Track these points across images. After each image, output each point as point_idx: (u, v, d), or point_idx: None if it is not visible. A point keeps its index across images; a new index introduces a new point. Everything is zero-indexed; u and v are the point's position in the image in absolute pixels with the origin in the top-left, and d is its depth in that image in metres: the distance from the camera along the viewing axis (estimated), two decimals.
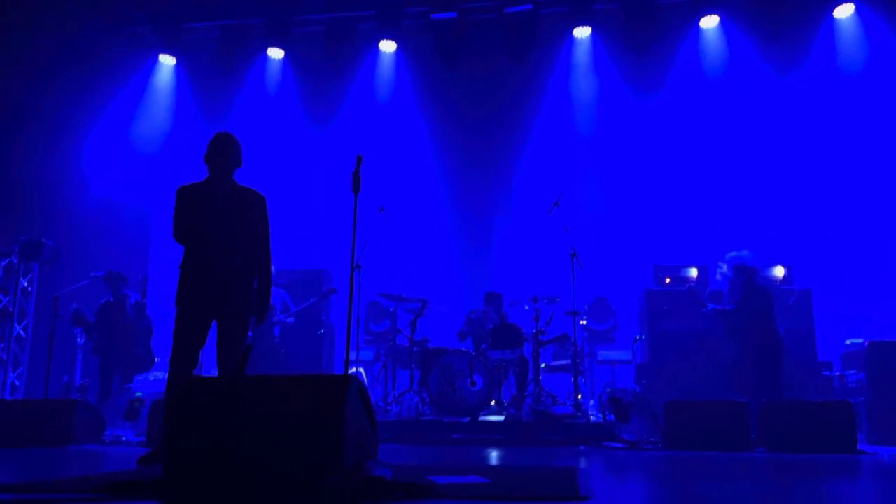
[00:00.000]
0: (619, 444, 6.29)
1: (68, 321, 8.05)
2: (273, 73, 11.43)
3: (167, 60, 11.42)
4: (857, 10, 9.89)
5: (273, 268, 5.03)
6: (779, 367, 6.89)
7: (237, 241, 4.64)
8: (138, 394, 7.41)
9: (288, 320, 8.47)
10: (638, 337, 8.65)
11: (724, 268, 7.50)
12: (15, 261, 9.82)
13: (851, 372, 7.88)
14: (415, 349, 7.86)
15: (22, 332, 9.94)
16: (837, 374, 8.06)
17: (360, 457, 2.69)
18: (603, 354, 9.31)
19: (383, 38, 11.02)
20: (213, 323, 4.63)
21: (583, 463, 4.54)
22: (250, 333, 4.80)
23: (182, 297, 4.57)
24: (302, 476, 2.43)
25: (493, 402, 7.30)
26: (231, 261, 4.59)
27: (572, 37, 10.84)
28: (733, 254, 7.51)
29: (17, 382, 9.77)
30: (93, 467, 4.28)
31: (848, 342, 8.31)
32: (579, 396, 7.27)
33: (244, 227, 4.67)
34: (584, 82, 10.90)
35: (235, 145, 4.78)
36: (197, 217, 4.61)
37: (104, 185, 10.79)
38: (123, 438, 6.92)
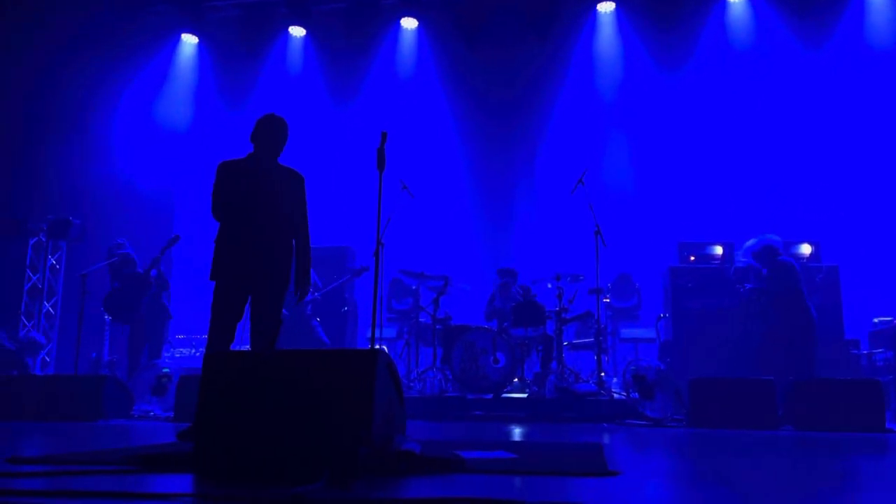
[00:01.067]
0: (642, 422, 6.28)
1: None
2: (295, 52, 11.43)
3: (190, 39, 11.44)
4: None
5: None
6: (813, 345, 6.81)
7: (277, 219, 4.67)
8: (165, 369, 7.51)
9: (316, 295, 8.53)
10: (662, 315, 8.61)
11: (742, 257, 7.41)
12: (43, 239, 9.97)
13: (879, 350, 7.79)
14: (437, 327, 7.88)
15: (51, 310, 10.11)
16: (865, 352, 7.98)
17: (389, 431, 2.71)
18: (626, 332, 9.29)
19: (405, 16, 10.96)
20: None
21: (607, 440, 4.54)
22: (285, 311, 4.84)
23: (218, 272, 4.59)
24: (332, 448, 2.45)
25: (515, 380, 7.32)
26: (270, 238, 4.62)
27: (596, 11, 10.73)
28: (751, 241, 7.41)
29: (47, 359, 9.95)
30: (123, 441, 4.35)
31: (876, 320, 8.21)
32: (602, 374, 7.26)
33: (285, 206, 4.71)
34: (607, 58, 10.79)
35: (285, 128, 4.84)
36: (238, 193, 4.62)
37: (129, 163, 10.89)
38: (151, 413, 7.03)
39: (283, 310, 4.87)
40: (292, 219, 4.75)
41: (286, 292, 4.74)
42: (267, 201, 4.64)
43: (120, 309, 8.11)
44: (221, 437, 2.56)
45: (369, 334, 5.00)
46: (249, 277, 4.58)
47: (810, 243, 8.36)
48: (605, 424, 6.21)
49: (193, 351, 8.99)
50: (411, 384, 7.55)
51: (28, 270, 9.90)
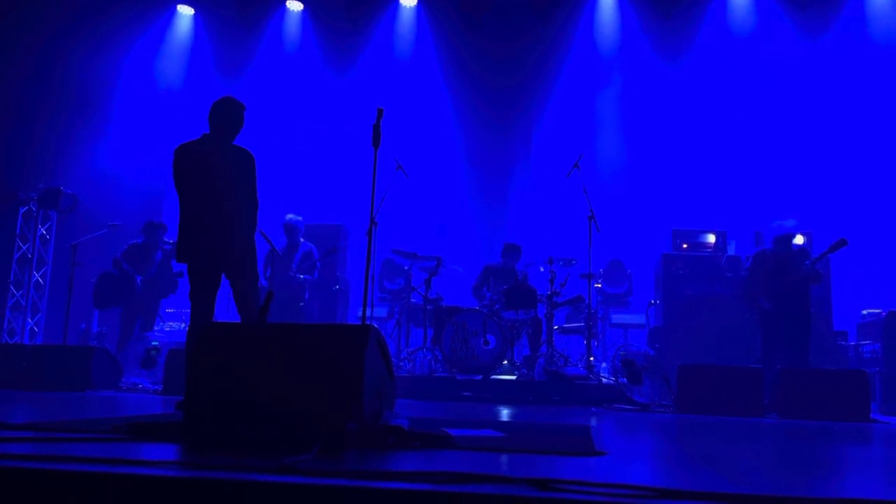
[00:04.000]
0: (630, 407, 6.31)
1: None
2: (292, 26, 11.32)
3: (185, 11, 11.32)
4: None
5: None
6: (808, 336, 6.80)
7: (233, 196, 4.80)
8: (155, 342, 7.50)
9: (308, 277, 8.47)
10: (652, 301, 8.64)
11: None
12: (34, 208, 9.89)
13: (867, 342, 7.85)
14: (429, 307, 7.88)
15: (40, 280, 10.06)
16: (853, 343, 8.03)
17: (379, 406, 2.71)
18: (616, 318, 9.33)
19: None
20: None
21: (595, 422, 4.56)
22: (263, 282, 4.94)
23: (184, 252, 4.76)
24: (321, 422, 2.45)
25: (505, 362, 7.33)
26: (230, 215, 4.76)
27: None
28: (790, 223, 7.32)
29: (35, 328, 9.92)
30: (111, 411, 4.35)
31: (864, 312, 8.26)
32: (592, 358, 7.29)
33: (238, 182, 4.84)
34: (606, 44, 10.74)
35: (241, 112, 4.97)
36: (195, 174, 4.79)
37: (122, 136, 10.79)
38: (140, 386, 7.03)
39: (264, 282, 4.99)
40: (243, 195, 4.87)
41: (257, 263, 4.93)
42: (222, 181, 4.77)
43: (123, 295, 8.08)
44: (211, 407, 2.56)
45: (360, 313, 5.00)
46: (217, 256, 4.73)
47: (803, 234, 8.38)
48: (593, 408, 6.24)
49: (183, 325, 8.97)
50: (401, 364, 7.56)
51: (18, 240, 9.84)
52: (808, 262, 6.69)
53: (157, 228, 8.30)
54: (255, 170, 4.94)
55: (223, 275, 4.82)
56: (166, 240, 8.32)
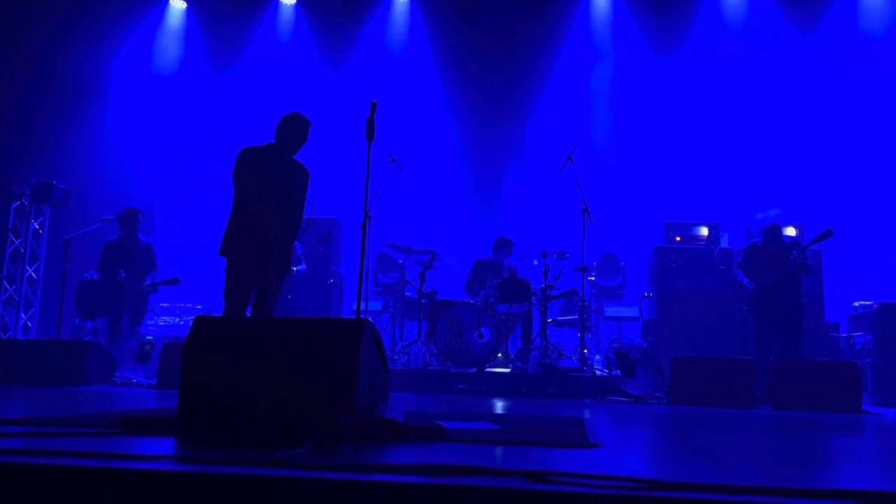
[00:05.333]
0: (624, 399, 6.34)
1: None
2: (285, 19, 11.27)
3: (178, 4, 11.26)
4: None
5: None
6: (801, 328, 6.82)
7: (285, 212, 5.03)
8: (149, 337, 7.47)
9: (301, 268, 8.47)
10: (646, 294, 8.66)
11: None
12: (26, 203, 9.85)
13: (858, 334, 7.89)
14: (423, 301, 7.89)
15: (33, 274, 10.02)
16: (844, 335, 8.07)
17: (373, 399, 2.72)
18: (610, 310, 9.35)
19: None
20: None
21: (588, 414, 4.58)
22: None
23: (227, 251, 4.95)
24: (315, 415, 2.45)
25: (499, 355, 7.34)
26: (278, 230, 4.99)
27: None
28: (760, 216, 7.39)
29: (29, 323, 9.89)
30: (105, 405, 4.34)
31: (856, 304, 8.30)
32: (585, 351, 7.31)
33: (293, 199, 5.09)
34: (601, 37, 10.74)
35: (307, 128, 5.22)
36: (255, 180, 4.97)
37: (115, 130, 10.74)
38: (134, 380, 7.01)
39: None
40: (296, 212, 5.11)
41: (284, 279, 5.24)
42: (279, 194, 4.99)
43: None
44: (205, 401, 2.56)
45: (355, 307, 5.00)
46: (259, 266, 4.92)
47: (795, 226, 8.42)
48: (586, 400, 6.27)
49: (177, 319, 8.96)
50: (396, 357, 7.57)
51: (10, 234, 9.79)
52: (794, 252, 6.72)
53: (132, 217, 7.88)
54: (308, 186, 5.18)
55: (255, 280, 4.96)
56: (140, 236, 7.97)
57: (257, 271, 4.93)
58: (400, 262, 8.48)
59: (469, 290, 8.35)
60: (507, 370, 7.24)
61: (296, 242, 8.28)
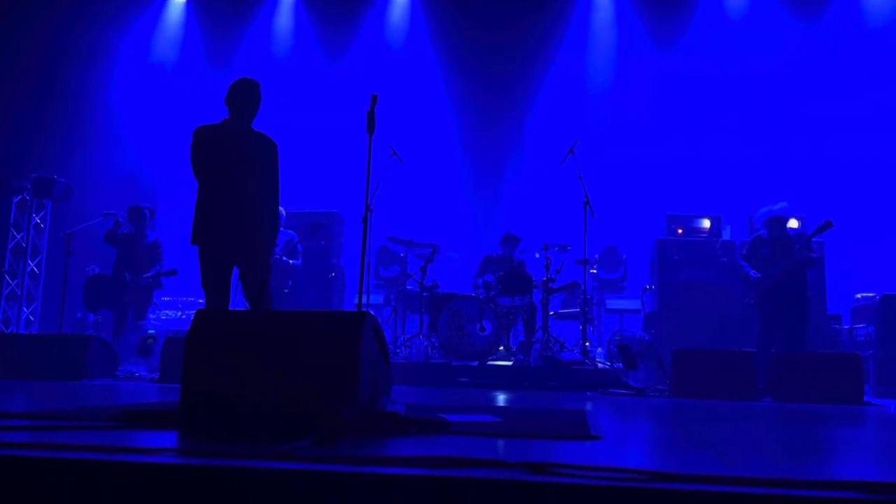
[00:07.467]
0: (626, 391, 6.35)
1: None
2: (285, 12, 11.24)
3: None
4: None
5: (284, 210, 5.07)
6: (805, 320, 6.81)
7: (252, 184, 4.71)
8: (151, 331, 7.48)
9: (296, 262, 8.45)
10: (648, 286, 8.65)
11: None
12: (28, 197, 9.85)
13: (860, 326, 7.88)
14: (424, 294, 7.89)
15: (35, 269, 10.04)
16: (847, 327, 8.06)
17: (375, 392, 2.72)
18: (612, 303, 9.35)
19: None
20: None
21: (590, 407, 4.58)
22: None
23: (198, 237, 4.67)
24: (316, 408, 2.45)
25: (501, 348, 7.35)
26: (247, 203, 4.66)
27: None
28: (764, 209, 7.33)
29: (31, 318, 9.90)
30: (108, 399, 4.35)
31: (858, 296, 8.28)
32: (587, 344, 7.31)
33: (259, 171, 4.74)
34: (602, 30, 10.71)
35: (258, 91, 4.82)
36: (214, 158, 4.66)
37: (116, 125, 10.74)
38: (137, 374, 7.02)
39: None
40: (266, 187, 4.78)
41: (268, 255, 4.85)
42: (241, 167, 4.66)
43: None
44: (207, 394, 2.56)
45: (356, 300, 5.00)
46: (231, 246, 4.65)
47: (797, 218, 8.39)
48: (588, 393, 6.27)
49: (179, 313, 8.96)
50: (397, 351, 7.57)
51: (12, 229, 9.80)
52: (797, 247, 6.70)
53: (140, 214, 7.99)
54: (277, 158, 4.85)
55: (235, 268, 4.75)
56: (147, 231, 8.06)
57: (228, 252, 4.64)
58: (401, 255, 8.48)
59: (477, 285, 8.37)
60: (509, 363, 7.24)
61: (293, 234, 8.31)
